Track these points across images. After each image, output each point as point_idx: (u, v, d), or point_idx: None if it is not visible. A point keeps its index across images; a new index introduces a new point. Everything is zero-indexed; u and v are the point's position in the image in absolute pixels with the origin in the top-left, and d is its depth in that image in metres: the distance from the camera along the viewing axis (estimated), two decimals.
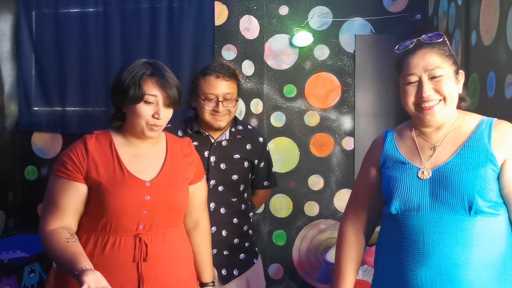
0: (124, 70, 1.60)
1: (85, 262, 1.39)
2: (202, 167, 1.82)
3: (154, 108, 1.58)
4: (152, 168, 1.65)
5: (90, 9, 3.42)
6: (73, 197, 1.57)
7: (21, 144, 3.54)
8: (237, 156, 2.11)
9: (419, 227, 1.36)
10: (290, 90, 3.34)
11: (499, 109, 1.90)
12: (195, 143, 2.05)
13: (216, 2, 3.33)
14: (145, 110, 1.57)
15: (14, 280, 2.88)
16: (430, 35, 1.43)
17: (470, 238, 1.32)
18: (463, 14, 2.40)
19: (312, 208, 3.35)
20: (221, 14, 3.35)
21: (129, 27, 3.37)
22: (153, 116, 1.58)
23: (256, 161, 2.18)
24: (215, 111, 2.02)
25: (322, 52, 3.31)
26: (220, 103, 2.01)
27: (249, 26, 3.35)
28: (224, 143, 2.10)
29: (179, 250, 1.67)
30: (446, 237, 1.33)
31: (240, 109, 3.34)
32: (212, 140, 2.09)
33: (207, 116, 2.04)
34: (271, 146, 3.34)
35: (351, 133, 3.30)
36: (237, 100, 2.10)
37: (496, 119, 1.42)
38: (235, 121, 2.16)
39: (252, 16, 3.34)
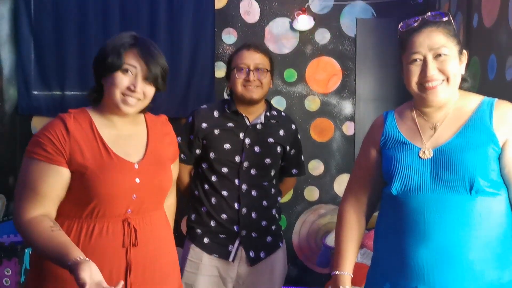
0: (108, 41, 1.54)
1: (77, 252, 1.31)
2: (177, 146, 1.78)
3: (131, 79, 1.49)
4: (137, 150, 1.57)
5: None
6: (55, 183, 1.45)
7: (21, 129, 3.53)
8: (271, 140, 2.13)
9: (419, 207, 1.36)
10: (290, 74, 3.33)
11: (500, 91, 1.89)
12: (230, 124, 2.08)
13: None
14: (121, 79, 1.48)
15: (15, 262, 2.90)
16: (434, 13, 1.42)
17: (471, 217, 1.32)
18: None
19: (312, 193, 3.35)
20: None
21: (129, 11, 3.33)
22: (128, 88, 1.49)
23: (288, 147, 2.19)
24: (246, 81, 2.04)
25: (323, 36, 3.28)
26: (251, 72, 2.04)
27: (250, 10, 3.32)
28: (258, 126, 2.11)
29: (164, 233, 1.63)
30: (446, 217, 1.33)
31: None
32: (248, 123, 2.10)
33: (239, 87, 2.05)
34: None
35: (352, 118, 3.29)
36: (269, 73, 2.10)
37: (497, 99, 1.42)
38: (270, 106, 2.18)
39: (252, 0, 3.31)
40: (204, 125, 2.08)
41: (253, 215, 2.09)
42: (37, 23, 3.44)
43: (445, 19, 1.40)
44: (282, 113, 2.26)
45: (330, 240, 2.82)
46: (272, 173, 2.17)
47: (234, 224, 2.07)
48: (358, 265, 1.77)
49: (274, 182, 2.20)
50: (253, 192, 2.10)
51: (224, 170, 2.06)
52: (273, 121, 2.15)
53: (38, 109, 3.49)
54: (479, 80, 2.15)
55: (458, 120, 1.41)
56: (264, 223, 2.13)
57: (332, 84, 3.30)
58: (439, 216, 1.33)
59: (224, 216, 2.06)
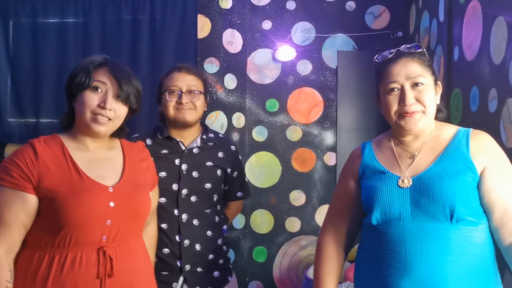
0: (78, 62, 1.52)
1: None
2: (155, 173, 1.73)
3: (101, 96, 1.46)
4: (112, 173, 1.51)
5: (70, 20, 3.36)
6: (20, 210, 1.38)
7: None
8: (209, 163, 2.02)
9: (400, 237, 1.34)
10: (272, 104, 3.32)
11: (483, 123, 1.89)
12: (165, 151, 1.98)
13: (199, 15, 3.30)
14: (91, 98, 1.45)
15: None
16: (409, 46, 1.46)
17: (453, 247, 1.30)
18: (445, 30, 2.42)
19: (293, 224, 3.30)
20: (204, 27, 3.33)
21: (110, 39, 3.31)
22: (99, 105, 1.45)
23: (229, 170, 2.09)
24: (179, 104, 1.95)
25: (304, 67, 3.30)
26: (183, 94, 1.95)
27: (232, 40, 3.33)
28: (195, 150, 2.01)
29: (143, 264, 1.55)
30: (428, 247, 1.30)
31: (222, 123, 3.30)
32: (183, 148, 2.01)
33: (171, 111, 1.96)
34: (253, 160, 3.29)
35: (333, 148, 3.28)
36: (203, 95, 2.02)
37: (472, 129, 1.44)
38: (206, 128, 2.10)
39: (235, 30, 3.33)
40: None
41: (197, 247, 1.94)
42: (15, 50, 3.39)
43: (419, 50, 1.44)
44: (220, 135, 2.17)
45: (312, 273, 2.76)
46: (215, 199, 2.04)
47: (177, 259, 1.91)
48: None
49: (218, 208, 2.08)
50: (195, 222, 1.95)
51: (162, 200, 1.90)
52: (210, 144, 2.05)
53: (12, 137, 3.39)
54: (461, 112, 2.16)
55: (436, 149, 1.42)
56: (211, 256, 1.98)
57: (313, 114, 3.30)
58: (420, 245, 1.31)
59: (165, 250, 1.91)
